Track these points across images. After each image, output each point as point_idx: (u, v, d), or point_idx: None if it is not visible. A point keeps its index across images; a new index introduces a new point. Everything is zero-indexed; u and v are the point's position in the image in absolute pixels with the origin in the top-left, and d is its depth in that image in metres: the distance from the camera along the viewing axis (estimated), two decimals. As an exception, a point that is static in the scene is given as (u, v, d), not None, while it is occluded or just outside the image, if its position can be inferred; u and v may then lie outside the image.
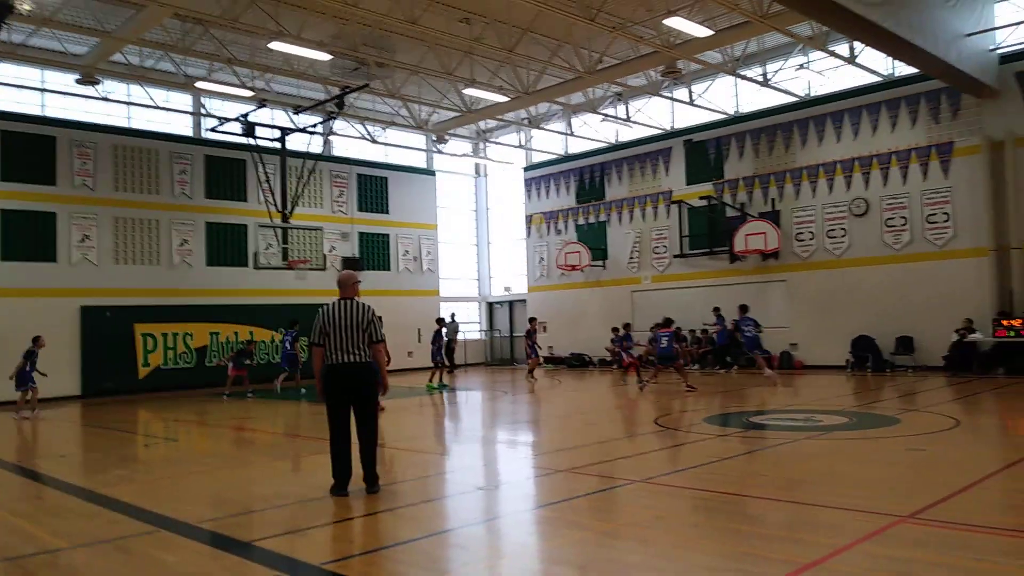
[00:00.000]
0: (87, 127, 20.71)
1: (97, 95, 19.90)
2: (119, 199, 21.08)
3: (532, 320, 22.04)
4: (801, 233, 20.88)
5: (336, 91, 19.36)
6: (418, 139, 27.67)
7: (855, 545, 4.95)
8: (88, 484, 8.29)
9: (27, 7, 11.12)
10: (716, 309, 21.21)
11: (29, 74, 19.83)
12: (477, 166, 30.74)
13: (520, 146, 27.62)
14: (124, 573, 5.07)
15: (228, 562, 5.23)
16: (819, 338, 20.35)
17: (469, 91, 20.28)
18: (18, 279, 19.23)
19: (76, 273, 20.20)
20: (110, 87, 20.29)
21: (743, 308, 17.98)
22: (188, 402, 17.99)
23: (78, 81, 18.80)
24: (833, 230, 20.30)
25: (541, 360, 20.94)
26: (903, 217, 19.16)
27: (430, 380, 19.12)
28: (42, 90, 19.95)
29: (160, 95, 21.16)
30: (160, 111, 21.46)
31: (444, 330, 19.97)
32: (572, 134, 25.35)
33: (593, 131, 25.38)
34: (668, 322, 16.52)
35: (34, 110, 20.17)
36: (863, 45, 17.28)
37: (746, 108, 22.50)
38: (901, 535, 5.20)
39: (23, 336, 18.77)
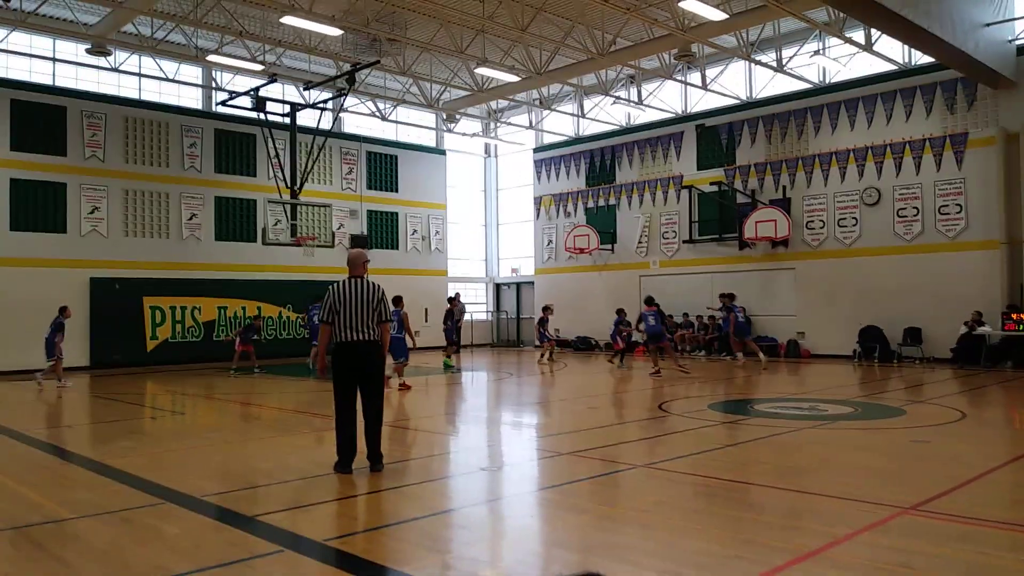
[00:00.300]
0: (98, 98, 20.70)
1: (108, 66, 19.86)
2: (129, 171, 21.10)
3: (546, 308, 21.96)
4: (812, 221, 20.77)
5: (347, 67, 19.27)
6: (428, 117, 27.56)
7: (856, 535, 4.95)
8: (94, 455, 8.35)
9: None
10: (725, 296, 21.00)
11: (40, 43, 19.79)
12: (487, 146, 30.63)
13: (531, 127, 27.48)
14: (127, 544, 5.10)
15: (230, 535, 5.27)
16: (827, 327, 20.29)
17: (481, 70, 20.14)
18: (28, 249, 19.30)
19: (85, 244, 20.26)
20: (121, 58, 20.23)
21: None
22: (195, 376, 18.09)
23: (89, 51, 18.73)
24: (844, 219, 20.18)
25: (554, 346, 20.99)
26: (915, 207, 19.02)
27: (447, 356, 19.27)
28: (53, 59, 19.91)
29: (171, 67, 21.11)
30: (171, 83, 21.41)
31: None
32: (583, 116, 25.21)
33: (605, 113, 25.23)
34: (651, 301, 17.27)
35: (45, 79, 20.15)
36: (880, 32, 17.08)
37: (759, 94, 22.32)
38: (903, 526, 5.20)
39: (32, 306, 18.96)
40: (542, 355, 20.81)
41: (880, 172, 19.62)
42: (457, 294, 24.20)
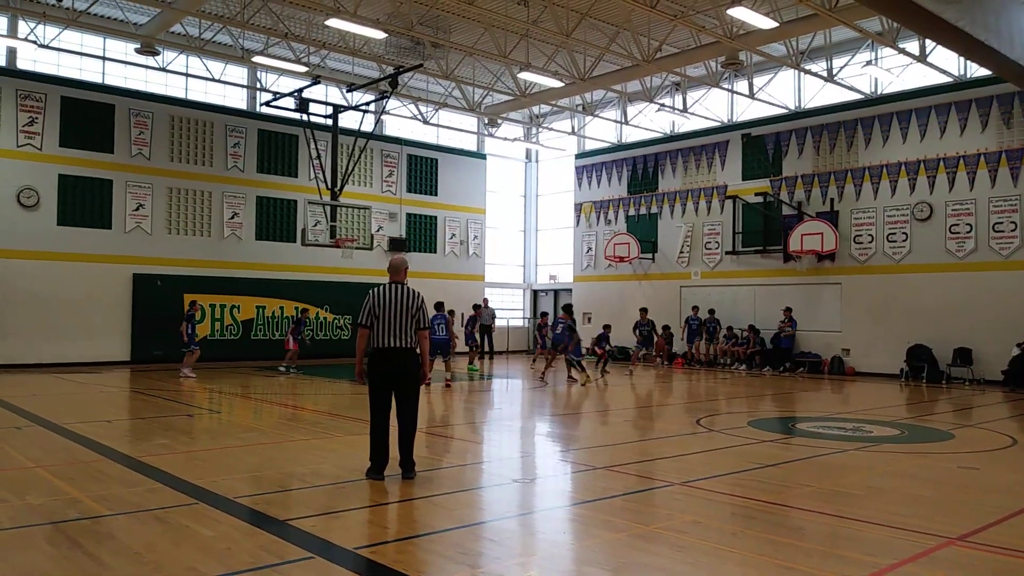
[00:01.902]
0: (145, 97, 21.07)
1: (156, 65, 20.19)
2: (173, 169, 21.42)
3: (544, 315, 21.98)
4: (860, 235, 20.30)
5: (390, 70, 19.33)
6: (470, 121, 27.58)
7: (900, 566, 4.76)
8: (132, 451, 8.41)
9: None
10: (787, 309, 20.66)
11: (91, 42, 20.18)
12: (528, 151, 30.55)
13: (573, 132, 27.35)
14: (161, 544, 5.10)
15: (263, 540, 5.24)
16: (873, 345, 19.80)
17: (524, 75, 20.08)
18: (73, 244, 19.68)
19: (129, 241, 20.60)
20: (169, 57, 20.56)
21: (566, 308, 18.08)
22: (233, 374, 18.26)
23: (138, 51, 19.07)
24: (894, 234, 19.69)
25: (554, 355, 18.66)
26: (968, 224, 18.49)
27: (471, 362, 19.29)
28: (103, 58, 20.29)
29: (217, 67, 21.39)
30: (217, 84, 21.70)
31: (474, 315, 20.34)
32: (626, 123, 25.00)
33: (648, 120, 25.01)
34: (568, 309, 17.76)
35: (95, 78, 20.55)
36: (934, 44, 16.64)
37: (808, 103, 21.91)
38: (949, 558, 4.99)
39: (77, 301, 19.34)
40: (533, 360, 20.60)
41: (932, 187, 19.11)
42: (485, 300, 24.26)
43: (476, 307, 21.13)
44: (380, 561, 4.82)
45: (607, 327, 19.80)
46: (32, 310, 18.87)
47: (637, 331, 20.71)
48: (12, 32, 18.81)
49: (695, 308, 22.83)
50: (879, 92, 20.45)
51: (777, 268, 21.78)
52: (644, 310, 19.76)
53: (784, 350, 20.40)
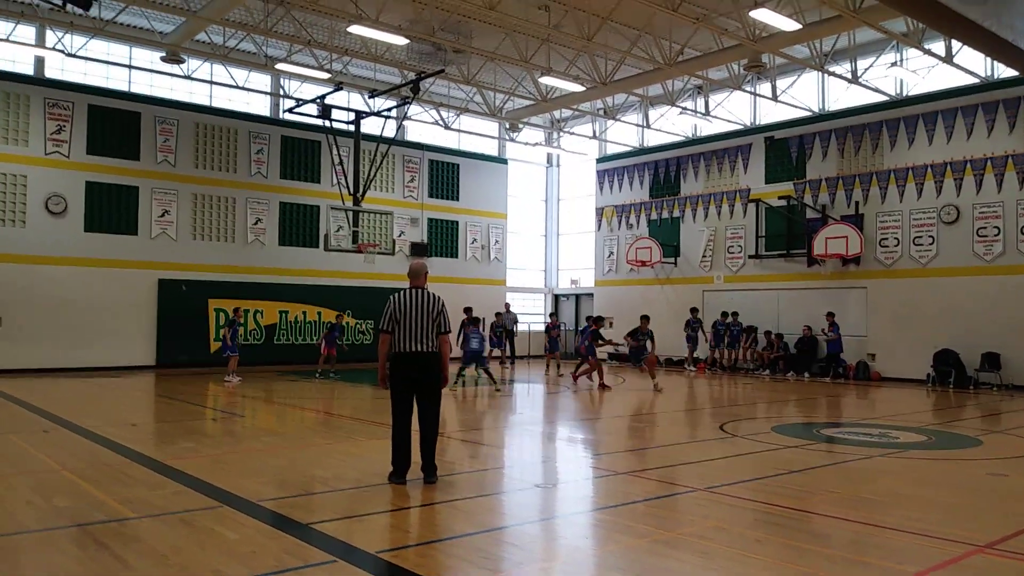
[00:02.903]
0: (171, 104, 21.31)
1: (181, 73, 20.43)
2: (198, 176, 21.64)
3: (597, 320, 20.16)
4: (886, 239, 20.07)
5: (412, 76, 19.42)
6: (491, 126, 27.63)
7: (926, 573, 4.71)
8: (157, 454, 8.50)
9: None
10: (830, 315, 20.13)
11: (117, 50, 20.46)
12: (549, 156, 30.55)
13: (594, 137, 27.30)
14: (186, 546, 5.15)
15: (286, 543, 5.28)
16: (899, 349, 19.55)
17: (545, 79, 20.09)
18: (100, 250, 19.94)
19: (155, 247, 20.83)
20: (194, 65, 20.80)
21: (472, 320, 17.97)
22: (256, 378, 18.39)
23: (164, 59, 19.31)
24: (920, 237, 19.45)
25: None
26: (996, 227, 18.22)
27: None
28: (129, 67, 20.57)
29: (241, 75, 21.60)
30: (240, 91, 21.91)
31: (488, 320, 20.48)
32: (648, 126, 24.93)
33: (670, 124, 24.91)
34: (475, 320, 17.71)
35: (121, 86, 20.83)
36: (960, 45, 16.44)
37: (833, 106, 21.71)
38: (976, 566, 4.92)
39: (103, 306, 19.60)
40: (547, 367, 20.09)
41: (959, 189, 18.86)
42: (507, 304, 24.30)
43: (497, 315, 21.14)
44: (402, 565, 4.83)
45: (594, 320, 19.19)
46: (60, 315, 19.13)
47: (633, 339, 18.40)
48: (40, 41, 19.13)
49: (724, 314, 22.56)
50: (905, 94, 20.22)
51: (801, 272, 21.58)
52: (645, 318, 18.28)
53: (832, 356, 20.05)
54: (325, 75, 20.05)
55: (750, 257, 22.91)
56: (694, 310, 22.92)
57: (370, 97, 20.83)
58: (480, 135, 27.09)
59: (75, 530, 5.50)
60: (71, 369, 19.02)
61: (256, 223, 22.56)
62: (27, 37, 19.00)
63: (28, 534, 5.43)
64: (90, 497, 6.46)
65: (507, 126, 26.29)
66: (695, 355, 22.84)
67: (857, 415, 13.32)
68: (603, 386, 16.89)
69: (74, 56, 18.76)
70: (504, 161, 28.60)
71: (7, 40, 17.48)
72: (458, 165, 27.06)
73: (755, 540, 5.53)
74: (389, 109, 20.46)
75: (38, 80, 19.48)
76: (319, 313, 22.54)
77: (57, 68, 19.86)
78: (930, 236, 19.29)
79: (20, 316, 18.68)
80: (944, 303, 18.82)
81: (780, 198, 22.16)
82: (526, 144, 27.86)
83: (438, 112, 24.66)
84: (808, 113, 21.87)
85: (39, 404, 12.73)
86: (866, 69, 20.01)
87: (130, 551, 5.03)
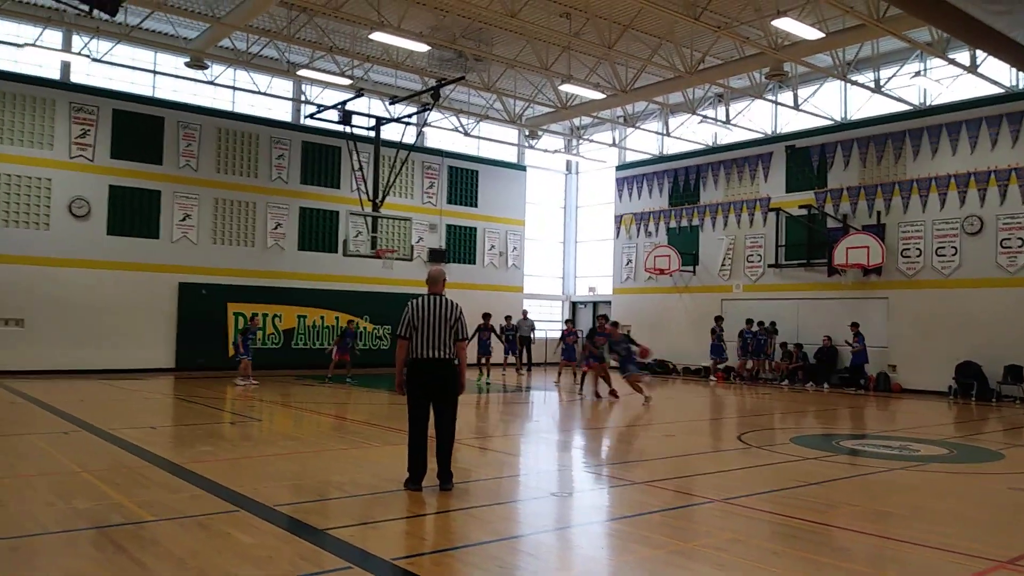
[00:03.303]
0: (194, 109, 21.52)
1: (205, 79, 20.63)
2: (219, 180, 21.82)
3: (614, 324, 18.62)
4: (907, 249, 19.87)
5: (432, 82, 19.50)
6: (510, 133, 27.67)
7: (950, 590, 4.63)
8: (175, 458, 8.54)
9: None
10: (855, 325, 19.77)
11: (142, 56, 20.69)
12: (568, 163, 30.54)
13: (613, 144, 27.27)
14: (203, 550, 5.17)
15: (302, 548, 5.29)
16: (921, 361, 19.32)
17: (565, 87, 20.10)
18: (122, 253, 20.14)
19: (176, 250, 21.02)
20: (217, 71, 20.99)
21: (613, 323, 17.50)
22: (273, 383, 18.48)
23: (187, 64, 19.51)
24: (943, 248, 19.24)
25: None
26: (1020, 238, 18.00)
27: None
28: (153, 72, 20.79)
29: (263, 81, 21.78)
30: (262, 96, 22.09)
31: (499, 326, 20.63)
32: (668, 134, 24.86)
33: (690, 132, 24.83)
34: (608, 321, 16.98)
35: (145, 91, 21.06)
36: (985, 55, 16.27)
37: (855, 115, 21.55)
38: (1000, 583, 4.83)
39: (125, 308, 19.79)
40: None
41: (983, 199, 18.65)
42: (524, 311, 24.35)
43: (508, 318, 21.39)
44: (417, 572, 4.82)
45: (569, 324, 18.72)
46: (81, 317, 19.32)
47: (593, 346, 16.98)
48: (66, 47, 19.39)
49: (749, 321, 22.14)
50: (928, 103, 20.04)
51: (821, 282, 21.41)
52: (614, 324, 17.11)
53: (857, 367, 19.79)
54: (346, 81, 20.17)
55: (770, 266, 22.76)
56: (719, 319, 22.73)
57: (391, 103, 20.96)
58: (499, 142, 27.13)
59: (94, 532, 5.54)
60: (91, 371, 19.20)
61: (276, 228, 22.71)
62: (54, 42, 19.27)
63: (48, 535, 5.48)
64: (109, 499, 6.50)
65: (526, 133, 26.31)
66: (719, 365, 22.60)
67: (877, 427, 13.18)
68: (597, 395, 16.25)
69: (99, 61, 19.00)
70: (523, 168, 28.62)
71: (34, 45, 17.73)
72: (477, 172, 27.11)
73: (773, 553, 5.47)
74: (409, 115, 20.57)
75: (64, 84, 19.74)
76: (337, 318, 22.63)
77: (83, 73, 20.11)
78: (953, 247, 19.08)
79: (43, 318, 18.89)
80: (967, 314, 18.60)
81: (801, 207, 22.01)
82: (545, 151, 27.86)
83: (458, 119, 24.74)
84: (830, 122, 21.72)
85: (60, 406, 12.86)
86: (889, 78, 19.85)
87: (148, 554, 5.06)
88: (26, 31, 18.75)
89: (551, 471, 8.90)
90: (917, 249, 19.71)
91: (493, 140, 26.89)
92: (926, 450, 10.24)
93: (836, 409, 15.67)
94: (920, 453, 9.98)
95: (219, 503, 6.44)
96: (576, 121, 26.94)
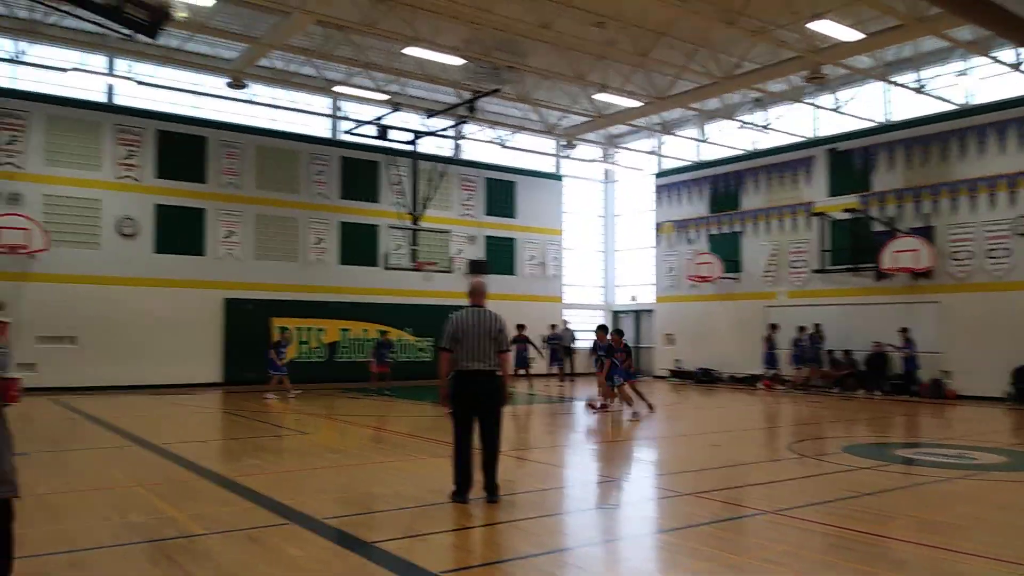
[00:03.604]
0: (235, 128, 21.90)
1: (245, 98, 21.01)
2: (262, 197, 22.17)
3: (608, 332, 16.78)
4: (958, 252, 19.38)
5: (468, 95, 19.61)
6: (547, 143, 27.67)
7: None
8: (224, 471, 8.66)
9: (183, 14, 11.89)
10: (903, 330, 19.37)
11: (184, 77, 21.15)
12: (606, 171, 30.44)
13: (651, 152, 27.12)
14: (254, 563, 5.21)
15: (351, 561, 5.31)
16: (975, 366, 18.76)
17: (600, 96, 20.05)
18: (169, 271, 20.54)
19: (221, 267, 21.37)
20: (256, 90, 21.35)
21: (617, 332, 16.53)
22: (318, 396, 18.65)
23: (228, 84, 19.90)
24: (994, 250, 18.73)
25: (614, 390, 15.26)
26: (1075, 237, 17.45)
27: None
28: (195, 92, 21.24)
29: (301, 98, 22.10)
30: (301, 114, 22.40)
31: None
32: (706, 140, 24.65)
33: (729, 138, 24.60)
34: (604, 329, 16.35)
35: (188, 111, 21.51)
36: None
37: (898, 116, 21.15)
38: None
39: (172, 325, 20.18)
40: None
41: (1034, 199, 18.14)
42: (565, 321, 24.26)
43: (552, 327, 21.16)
44: (466, 586, 4.81)
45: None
46: (131, 334, 19.73)
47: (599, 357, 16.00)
48: (111, 70, 19.90)
49: (801, 328, 21.46)
50: (973, 103, 19.59)
51: (868, 287, 20.98)
52: (602, 328, 16.46)
53: (909, 372, 19.32)
54: (383, 96, 20.38)
55: (814, 272, 22.36)
56: (773, 326, 22.25)
57: (427, 117, 21.11)
58: (536, 152, 27.15)
59: (148, 546, 5.63)
60: (143, 387, 19.57)
61: (317, 243, 22.98)
62: (99, 66, 19.78)
63: (103, 550, 5.57)
64: (162, 513, 6.61)
65: (563, 143, 26.30)
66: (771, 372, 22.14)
67: (933, 435, 12.85)
68: (603, 407, 15.44)
69: (143, 83, 19.45)
70: (560, 178, 28.60)
71: (80, 69, 18.21)
72: (514, 183, 27.16)
73: (827, 566, 5.35)
74: (446, 129, 20.70)
75: (109, 107, 20.25)
76: (379, 331, 22.79)
77: (127, 95, 20.61)
78: (1005, 248, 18.55)
79: (94, 335, 19.33)
80: (1022, 317, 18.05)
81: (845, 211, 21.60)
82: (582, 160, 27.82)
83: (494, 130, 24.82)
84: (872, 124, 21.34)
85: (113, 421, 13.12)
86: (932, 78, 19.45)
87: (200, 568, 5.11)
88: (71, 56, 19.28)
89: (597, 482, 8.82)
90: (968, 251, 19.22)
91: (530, 151, 26.92)
92: (984, 458, 9.95)
93: (889, 417, 15.32)
94: (978, 461, 9.69)
95: (268, 516, 6.50)
96: (612, 129, 26.84)
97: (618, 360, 15.09)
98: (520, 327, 19.69)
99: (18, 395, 3.91)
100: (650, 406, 15.32)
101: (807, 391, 20.81)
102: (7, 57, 18.04)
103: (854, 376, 20.47)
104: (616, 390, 14.93)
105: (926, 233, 19.75)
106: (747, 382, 23.27)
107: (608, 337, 15.83)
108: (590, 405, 15.69)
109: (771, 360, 22.01)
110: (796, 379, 21.43)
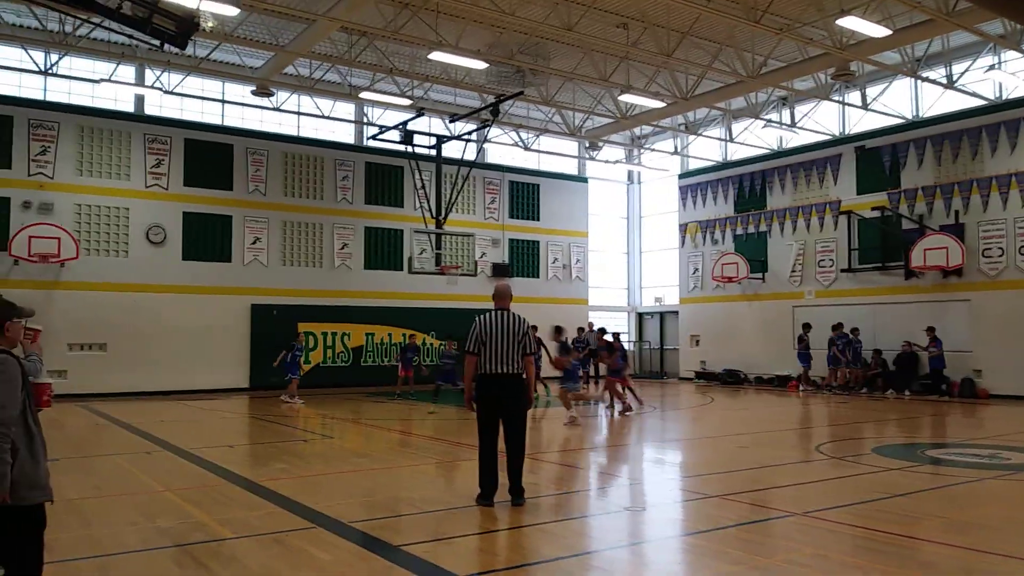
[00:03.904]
0: (261, 136, 22.13)
1: (270, 105, 21.22)
2: (287, 204, 22.36)
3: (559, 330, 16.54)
4: (989, 249, 19.04)
5: (491, 99, 19.63)
6: (571, 146, 27.63)
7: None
8: (251, 475, 8.73)
9: (210, 24, 12.03)
10: (930, 329, 19.05)
11: (211, 86, 21.41)
12: (630, 173, 30.33)
13: (676, 152, 26.98)
14: (281, 567, 5.24)
15: (377, 565, 5.32)
16: (1007, 365, 18.43)
17: (624, 97, 19.98)
18: (197, 277, 20.78)
19: (248, 273, 21.58)
20: (282, 98, 21.56)
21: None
22: (344, 400, 18.76)
23: (254, 92, 20.11)
24: (1026, 246, 18.38)
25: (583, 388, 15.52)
26: (1111, 233, 17.07)
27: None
28: (222, 101, 21.49)
29: (326, 105, 22.27)
30: (326, 120, 22.59)
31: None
32: (731, 140, 24.47)
33: (754, 137, 24.39)
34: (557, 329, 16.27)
35: (215, 120, 21.76)
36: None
37: (927, 112, 20.84)
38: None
39: (200, 330, 20.41)
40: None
41: (1068, 195, 17.77)
42: (590, 324, 24.10)
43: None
44: (491, 589, 4.80)
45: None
46: (159, 340, 19.98)
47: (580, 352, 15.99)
48: (140, 80, 20.20)
49: (837, 326, 20.80)
50: (1004, 98, 19.25)
51: (898, 285, 20.69)
52: (601, 331, 16.59)
53: (937, 371, 19.00)
54: (407, 102, 20.47)
55: (842, 271, 22.09)
56: (807, 326, 21.72)
57: (451, 121, 21.15)
58: (560, 155, 27.12)
59: (176, 550, 5.68)
60: (170, 392, 19.81)
61: (343, 248, 23.13)
62: (128, 77, 20.09)
63: (132, 554, 5.63)
64: (190, 517, 6.67)
65: (587, 145, 26.24)
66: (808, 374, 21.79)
67: (964, 435, 12.63)
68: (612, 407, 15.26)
69: (171, 93, 19.72)
70: (584, 180, 28.54)
71: (110, 80, 18.52)
72: (538, 185, 27.15)
73: (857, 568, 5.27)
74: (469, 132, 20.72)
75: (138, 117, 20.55)
76: (404, 335, 22.87)
77: (155, 105, 20.91)
78: (1038, 245, 18.20)
79: (123, 342, 19.59)
80: (1056, 315, 17.70)
81: (873, 209, 21.34)
82: (606, 162, 27.74)
83: (517, 133, 24.84)
84: (901, 120, 21.05)
85: (141, 427, 13.29)
86: (962, 73, 19.14)
87: (228, 571, 5.15)
88: (101, 67, 19.60)
89: (622, 485, 8.78)
90: (999, 248, 18.88)
91: (553, 153, 26.89)
92: (1017, 458, 9.76)
93: (919, 417, 15.08)
94: (1011, 461, 9.51)
95: (295, 520, 6.54)
96: (637, 131, 26.74)
97: (610, 359, 15.32)
98: (559, 329, 18.17)
99: (50, 400, 3.95)
100: (640, 401, 15.66)
101: (845, 392, 20.34)
102: (39, 69, 18.38)
103: (883, 376, 20.17)
104: (571, 394, 14.33)
105: (956, 231, 19.43)
106: (774, 383, 23.03)
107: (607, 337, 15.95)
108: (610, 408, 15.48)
109: (806, 359, 21.62)
110: (832, 378, 21.01)
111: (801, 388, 21.58)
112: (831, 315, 21.62)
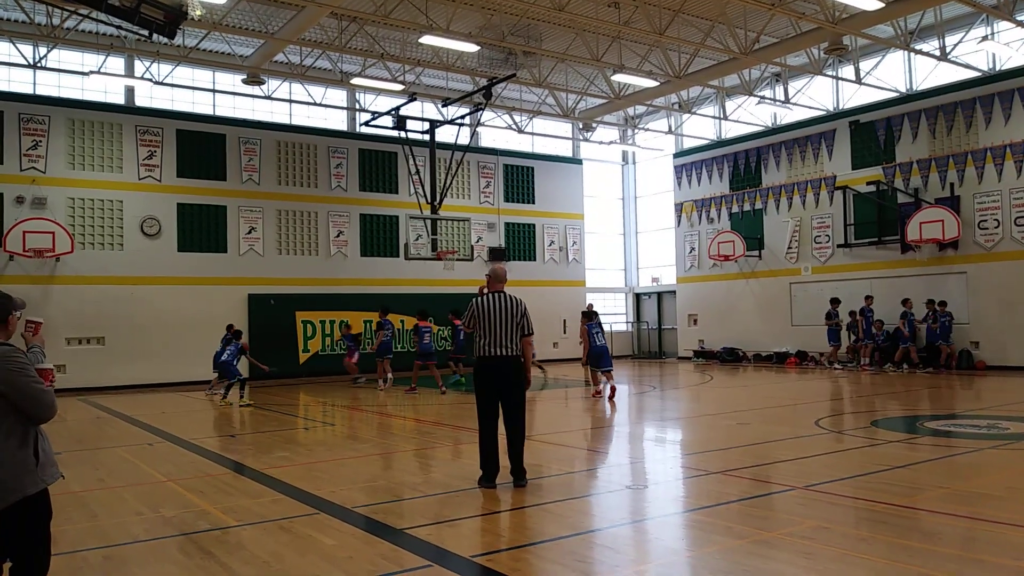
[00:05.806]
0: (253, 125, 22.02)
1: (262, 94, 21.10)
2: (281, 192, 22.29)
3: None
4: (985, 221, 19.07)
5: (483, 82, 19.54)
6: (564, 127, 27.54)
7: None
8: (254, 464, 8.74)
9: (199, 12, 11.96)
10: (930, 302, 19.06)
11: (201, 76, 21.27)
12: (625, 153, 30.25)
13: (670, 132, 26.91)
14: (286, 553, 5.26)
15: (382, 548, 5.34)
16: (1005, 336, 18.53)
17: (617, 77, 19.90)
18: (192, 269, 20.74)
19: (244, 263, 21.54)
20: (273, 86, 21.44)
21: (423, 314, 17.40)
22: (343, 388, 18.77)
23: (245, 81, 19.99)
24: (1022, 218, 18.40)
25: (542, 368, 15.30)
26: (1106, 201, 17.09)
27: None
28: (213, 91, 21.36)
29: (318, 92, 22.15)
30: (318, 107, 22.48)
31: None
32: (726, 118, 24.39)
33: (748, 114, 24.33)
34: (425, 315, 16.71)
35: (206, 110, 21.64)
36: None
37: (921, 85, 20.78)
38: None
39: (197, 322, 20.38)
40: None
41: (1063, 164, 17.78)
42: (589, 305, 24.08)
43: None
44: (497, 569, 4.83)
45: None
46: (157, 332, 19.97)
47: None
48: (129, 72, 20.07)
49: (868, 298, 20.26)
50: (998, 68, 19.20)
51: (894, 259, 20.72)
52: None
53: (932, 345, 18.94)
54: (399, 87, 20.38)
55: (839, 246, 22.12)
56: (835, 300, 20.90)
57: (443, 106, 21.09)
58: (554, 137, 27.04)
59: (182, 539, 5.70)
60: (169, 384, 19.82)
61: (338, 236, 23.08)
62: (117, 68, 19.96)
63: (138, 544, 5.65)
64: (195, 507, 6.69)
65: (580, 126, 26.16)
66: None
67: (963, 406, 12.69)
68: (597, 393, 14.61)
69: (161, 84, 19.60)
70: (579, 161, 28.47)
71: (99, 72, 18.39)
72: (533, 168, 27.08)
73: (860, 539, 5.31)
74: (462, 117, 20.64)
75: (129, 108, 20.42)
76: (402, 321, 22.87)
77: (146, 96, 20.78)
78: (1034, 215, 18.23)
79: (121, 335, 19.58)
80: (1053, 286, 17.75)
81: (869, 183, 21.33)
82: (600, 143, 27.66)
83: (511, 116, 24.74)
84: (895, 94, 21.00)
85: (142, 418, 13.31)
86: (955, 45, 19.08)
87: (234, 558, 5.17)
88: (90, 59, 19.46)
89: (624, 464, 8.81)
90: (995, 220, 18.90)
91: (547, 135, 26.81)
92: (1016, 428, 9.81)
93: (917, 390, 15.14)
94: (1010, 431, 9.57)
95: (299, 506, 6.56)
96: (630, 111, 26.66)
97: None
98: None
99: (53, 381, 3.94)
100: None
101: (854, 367, 20.24)
102: (28, 63, 18.24)
103: (881, 350, 20.22)
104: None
105: (952, 203, 19.45)
106: (772, 360, 23.11)
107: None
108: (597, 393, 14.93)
109: (835, 336, 20.80)
110: (865, 353, 20.21)
111: (835, 365, 20.86)
112: (828, 291, 21.67)
